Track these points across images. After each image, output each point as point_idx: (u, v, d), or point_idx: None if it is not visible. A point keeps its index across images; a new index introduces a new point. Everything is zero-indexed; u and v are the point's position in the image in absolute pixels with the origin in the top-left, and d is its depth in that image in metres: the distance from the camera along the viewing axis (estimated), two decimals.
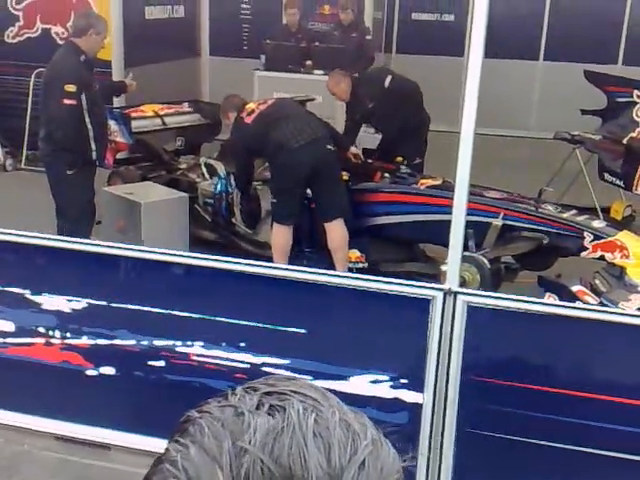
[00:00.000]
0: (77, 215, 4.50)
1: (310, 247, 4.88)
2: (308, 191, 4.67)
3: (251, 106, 4.83)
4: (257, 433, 0.49)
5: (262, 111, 4.72)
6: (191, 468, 0.49)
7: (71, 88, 4.29)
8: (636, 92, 5.57)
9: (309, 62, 7.29)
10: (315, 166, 4.49)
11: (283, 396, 0.52)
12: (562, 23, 8.99)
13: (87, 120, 4.39)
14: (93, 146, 4.45)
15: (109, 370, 2.92)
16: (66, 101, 4.29)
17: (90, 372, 2.93)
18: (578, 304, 3.34)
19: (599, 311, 2.82)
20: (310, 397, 0.52)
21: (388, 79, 5.54)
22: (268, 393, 0.52)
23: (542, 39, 9.20)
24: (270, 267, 2.98)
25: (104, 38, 4.65)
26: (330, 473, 0.49)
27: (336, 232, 4.58)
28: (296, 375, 2.63)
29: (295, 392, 0.52)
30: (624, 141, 5.39)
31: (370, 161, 5.14)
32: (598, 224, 4.36)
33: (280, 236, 4.63)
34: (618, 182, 5.17)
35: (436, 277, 3.91)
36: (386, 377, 2.76)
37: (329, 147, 4.55)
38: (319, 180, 4.53)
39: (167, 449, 0.52)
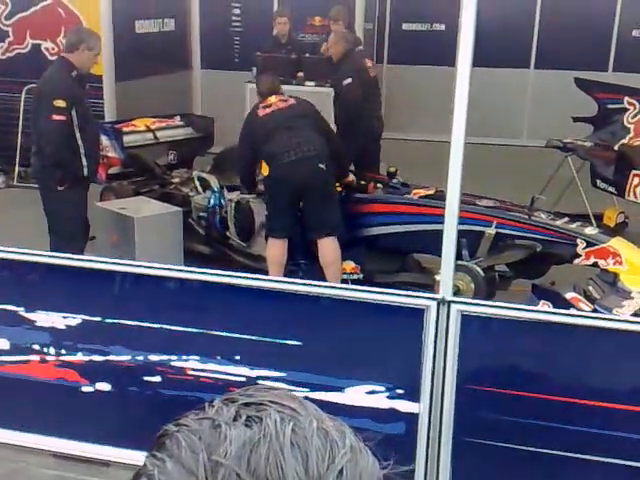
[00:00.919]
0: (69, 232, 4.47)
1: (305, 259, 4.88)
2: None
3: (272, 100, 4.71)
4: (233, 445, 0.49)
5: (275, 111, 4.65)
6: None
7: (61, 103, 4.28)
8: (627, 99, 5.62)
9: (300, 74, 7.32)
10: (304, 183, 4.47)
11: (260, 407, 0.52)
12: (552, 31, 9.06)
13: (78, 136, 4.37)
14: (84, 162, 4.43)
15: (105, 386, 2.91)
16: (55, 117, 4.27)
17: (86, 388, 2.92)
18: (572, 311, 3.35)
19: (593, 318, 2.83)
20: (288, 407, 0.53)
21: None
22: (246, 404, 0.53)
23: (533, 47, 9.27)
24: (264, 280, 2.98)
25: (97, 54, 4.64)
26: None
27: (327, 248, 4.56)
28: (287, 386, 2.63)
29: (273, 402, 0.53)
30: (616, 147, 5.43)
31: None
32: (591, 231, 4.38)
33: (273, 249, 4.62)
34: (610, 189, 5.21)
35: (431, 287, 3.91)
36: (382, 388, 2.76)
37: (321, 166, 4.47)
38: (309, 197, 4.51)
39: (144, 464, 0.52)
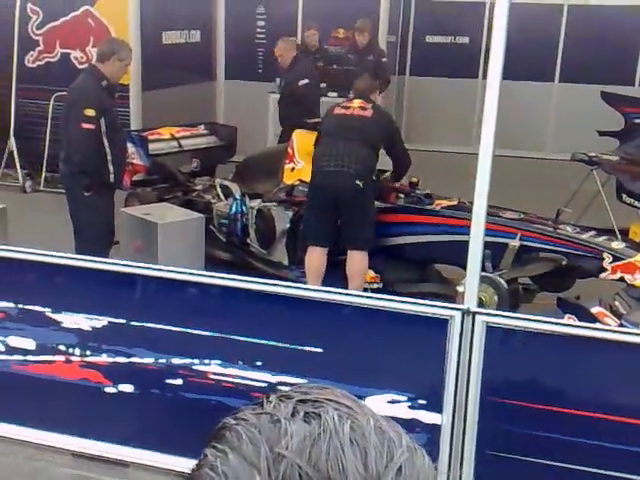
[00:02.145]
0: (94, 236, 4.52)
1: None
2: None
3: (353, 104, 4.71)
4: (294, 439, 0.50)
5: (348, 115, 4.66)
6: (230, 473, 0.50)
7: (90, 112, 4.34)
8: None
9: (324, 84, 7.36)
10: (338, 195, 4.50)
11: (317, 403, 0.52)
12: (578, 45, 9.02)
13: (106, 144, 4.43)
14: (111, 169, 4.48)
15: (127, 388, 2.92)
16: (85, 125, 4.34)
17: (109, 389, 2.93)
18: (598, 325, 3.31)
19: (620, 332, 2.80)
20: (344, 404, 0.53)
21: None
22: (302, 401, 0.53)
23: (558, 61, 9.23)
24: (286, 286, 2.98)
25: (127, 65, 4.70)
26: (367, 479, 0.49)
27: (355, 260, 4.58)
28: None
29: (329, 400, 0.53)
30: None
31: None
32: (617, 245, 4.33)
33: (310, 258, 4.62)
34: (636, 203, 5.14)
35: (451, 298, 3.89)
36: (404, 397, 2.74)
37: (358, 183, 4.47)
38: (344, 210, 4.54)
39: (205, 454, 0.53)
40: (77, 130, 4.37)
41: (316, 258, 4.60)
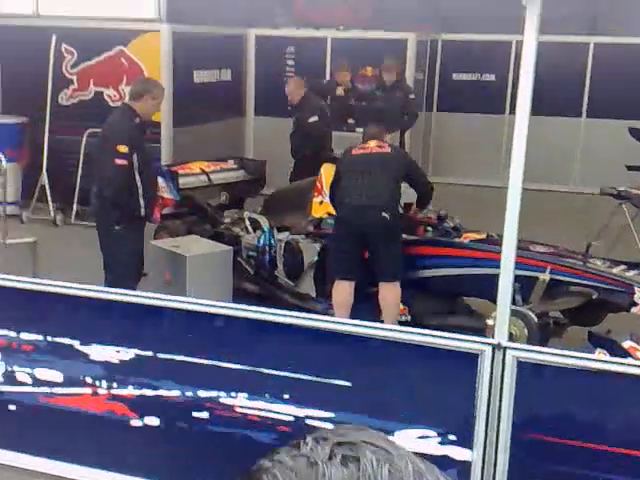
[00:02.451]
0: (124, 269, 4.56)
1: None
2: None
3: (370, 144, 4.79)
4: None
5: (367, 153, 4.74)
6: None
7: (123, 149, 4.42)
8: None
9: (351, 120, 7.44)
10: (365, 229, 4.53)
11: (354, 446, 0.52)
12: (604, 80, 9.02)
13: (137, 178, 4.51)
14: (142, 203, 4.55)
15: (153, 421, 2.91)
16: (118, 161, 4.41)
17: (135, 422, 2.93)
18: (630, 360, 3.24)
19: None
20: (381, 447, 0.52)
21: None
22: (339, 443, 0.52)
23: (584, 96, 9.23)
24: (314, 319, 2.97)
25: (159, 103, 4.78)
26: None
27: (387, 292, 4.58)
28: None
29: (366, 442, 0.52)
30: None
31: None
32: None
33: (337, 292, 4.63)
34: None
35: (481, 331, 3.83)
36: (434, 433, 2.69)
37: (384, 215, 4.50)
38: (372, 243, 4.57)
39: None
40: (110, 166, 4.45)
41: (343, 291, 4.61)
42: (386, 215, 4.50)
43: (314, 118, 6.64)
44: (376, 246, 4.56)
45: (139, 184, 4.51)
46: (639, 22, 8.72)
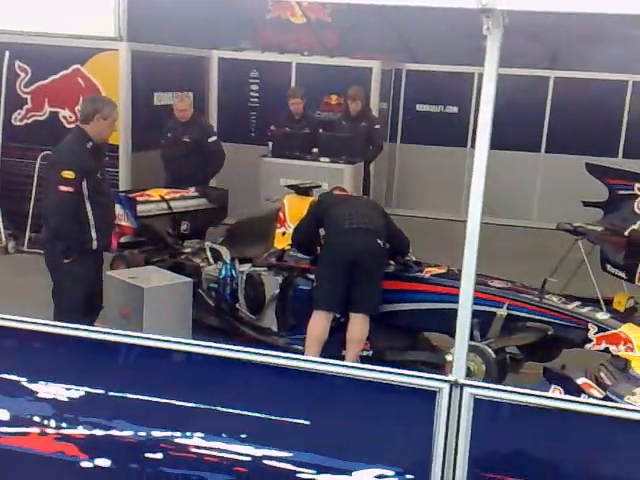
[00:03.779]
0: (71, 306, 4.24)
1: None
2: None
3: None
4: None
5: (349, 196, 5.11)
6: None
7: (69, 175, 4.16)
8: (637, 185, 5.64)
9: (315, 149, 7.47)
10: (358, 253, 4.48)
11: None
12: (563, 116, 9.24)
13: (88, 208, 4.24)
14: (94, 235, 4.28)
15: (105, 462, 2.82)
16: (63, 188, 4.15)
17: (85, 464, 2.83)
18: (583, 398, 3.27)
19: (604, 407, 2.75)
20: None
21: None
22: None
23: (544, 132, 9.44)
24: (272, 356, 2.92)
25: (113, 122, 4.48)
26: None
27: (357, 325, 4.52)
28: (294, 467, 2.54)
29: None
30: (626, 233, 5.42)
31: None
32: (602, 316, 4.34)
33: (315, 324, 4.52)
34: (620, 274, 5.17)
35: (441, 367, 3.84)
36: (391, 472, 2.66)
37: (379, 241, 4.53)
38: (358, 270, 4.48)
39: None
40: (54, 193, 4.18)
41: (321, 324, 4.50)
42: (380, 242, 4.52)
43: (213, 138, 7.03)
44: (364, 274, 4.49)
45: (90, 214, 4.24)
46: (599, 57, 8.97)
